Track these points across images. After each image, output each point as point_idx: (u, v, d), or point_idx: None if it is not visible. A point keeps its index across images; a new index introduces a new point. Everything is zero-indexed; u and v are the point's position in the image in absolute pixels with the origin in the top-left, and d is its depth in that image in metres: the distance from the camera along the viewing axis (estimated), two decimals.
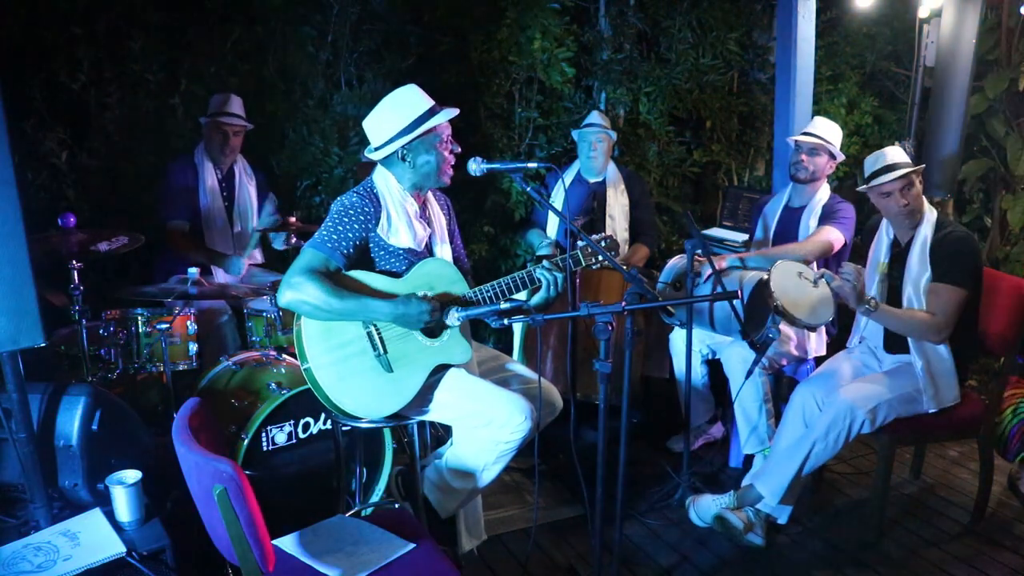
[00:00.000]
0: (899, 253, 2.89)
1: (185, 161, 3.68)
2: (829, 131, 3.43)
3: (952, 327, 2.72)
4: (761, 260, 3.26)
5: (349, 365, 2.31)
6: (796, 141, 3.47)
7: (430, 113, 2.38)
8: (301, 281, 2.23)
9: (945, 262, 2.73)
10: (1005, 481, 3.31)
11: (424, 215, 2.52)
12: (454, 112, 2.42)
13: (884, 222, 2.95)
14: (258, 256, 3.84)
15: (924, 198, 2.85)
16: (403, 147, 2.38)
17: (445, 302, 2.35)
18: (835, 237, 3.28)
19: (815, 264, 3.25)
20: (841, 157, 3.44)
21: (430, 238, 2.52)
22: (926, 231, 2.79)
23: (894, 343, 2.92)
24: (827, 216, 3.35)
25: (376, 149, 2.43)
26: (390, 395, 2.33)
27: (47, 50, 3.66)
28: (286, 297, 2.25)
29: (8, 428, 2.35)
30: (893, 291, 2.89)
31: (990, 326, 2.92)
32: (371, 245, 2.39)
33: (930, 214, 2.81)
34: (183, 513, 2.39)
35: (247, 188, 3.77)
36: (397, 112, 2.38)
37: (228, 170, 3.74)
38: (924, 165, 2.99)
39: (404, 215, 2.42)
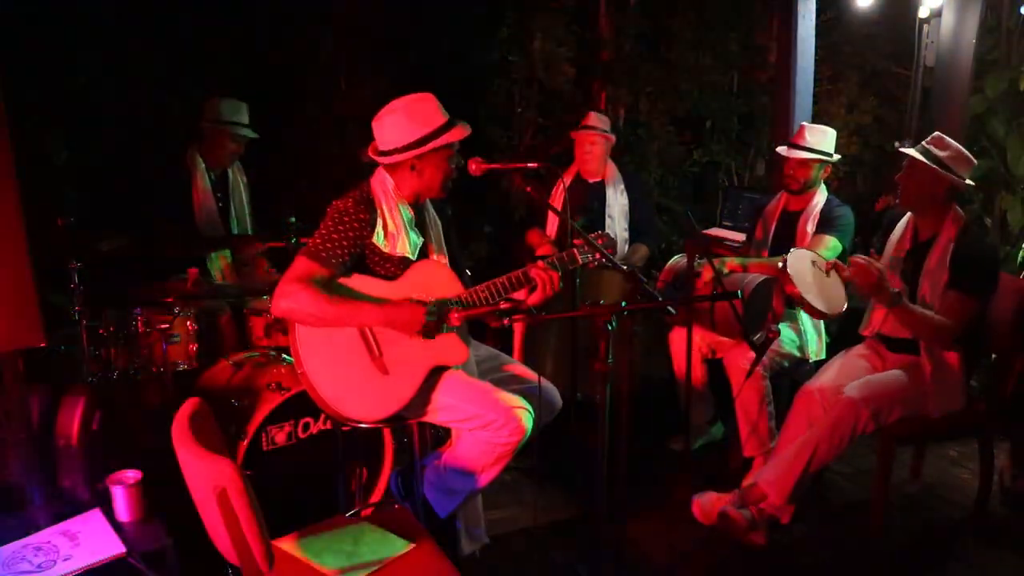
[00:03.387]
0: (918, 247, 2.86)
1: (175, 164, 3.63)
2: (817, 138, 3.39)
3: (956, 335, 2.70)
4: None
5: (345, 368, 2.30)
6: (785, 155, 3.46)
7: (446, 127, 2.37)
8: (295, 290, 2.22)
9: (964, 270, 2.69)
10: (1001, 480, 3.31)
11: (420, 222, 2.51)
12: (468, 130, 2.41)
13: (908, 215, 2.92)
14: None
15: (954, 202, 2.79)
16: (415, 158, 2.37)
17: (441, 307, 2.35)
18: (831, 245, 3.28)
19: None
20: (835, 158, 3.43)
21: (426, 246, 2.51)
22: (951, 231, 2.74)
23: (906, 343, 2.90)
24: (825, 223, 3.34)
25: (385, 153, 2.41)
26: (387, 398, 2.33)
27: (47, 50, 3.66)
28: (280, 306, 2.24)
29: (8, 428, 2.35)
30: (909, 287, 2.87)
31: (990, 327, 2.92)
32: (367, 252, 2.38)
33: (957, 217, 2.76)
34: (183, 513, 2.39)
35: (241, 189, 3.75)
36: (414, 121, 2.35)
37: (222, 172, 3.72)
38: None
39: (401, 222, 2.41)
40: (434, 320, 2.29)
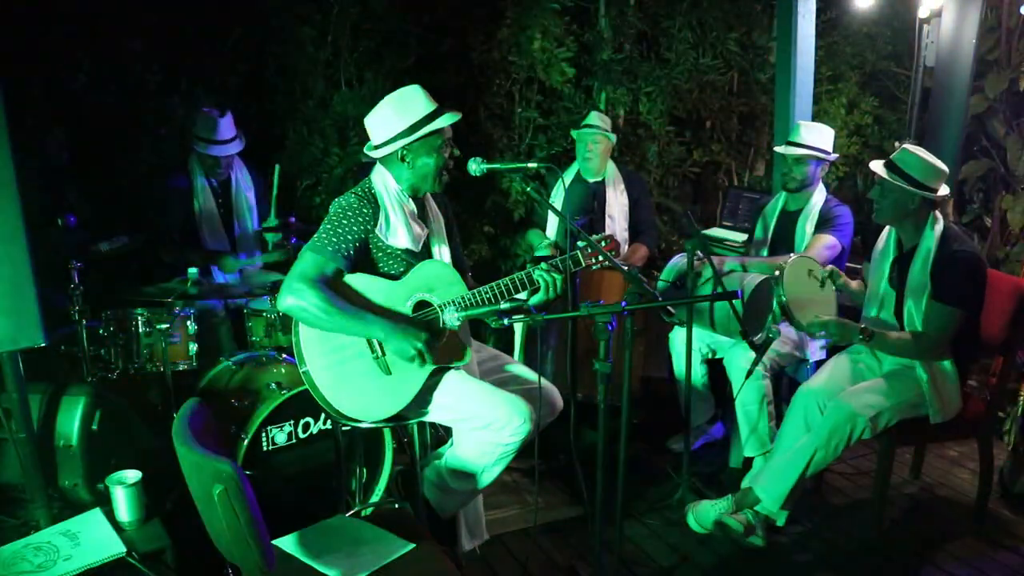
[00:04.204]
0: (903, 256, 2.87)
1: (178, 171, 3.57)
2: (814, 136, 3.38)
3: (947, 346, 2.70)
4: (763, 267, 3.27)
5: (347, 368, 2.30)
6: (782, 153, 3.46)
7: (433, 115, 2.37)
8: (302, 287, 2.23)
9: (949, 282, 2.67)
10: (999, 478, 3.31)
11: (422, 215, 2.51)
12: (457, 116, 2.41)
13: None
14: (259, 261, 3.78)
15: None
16: (403, 148, 2.38)
17: (437, 343, 2.35)
18: (831, 244, 3.28)
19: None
20: (832, 157, 3.43)
21: (428, 239, 2.51)
22: (931, 241, 2.73)
23: None
24: (824, 223, 3.35)
25: (376, 147, 2.43)
26: (388, 397, 2.33)
27: (47, 50, 3.66)
28: (286, 302, 2.25)
29: (8, 428, 2.36)
30: (896, 294, 2.87)
31: (990, 327, 2.91)
32: (370, 246, 2.39)
33: (937, 222, 2.75)
34: (183, 513, 2.39)
35: (244, 190, 3.69)
36: (400, 112, 2.37)
37: (225, 178, 3.64)
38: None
39: (402, 215, 2.42)
40: (430, 352, 2.29)
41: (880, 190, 2.79)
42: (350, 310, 2.26)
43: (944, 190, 2.74)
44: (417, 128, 2.35)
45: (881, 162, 2.80)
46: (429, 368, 2.37)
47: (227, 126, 3.52)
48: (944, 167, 2.74)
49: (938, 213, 2.78)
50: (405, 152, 2.39)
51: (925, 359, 2.74)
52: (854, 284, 3.07)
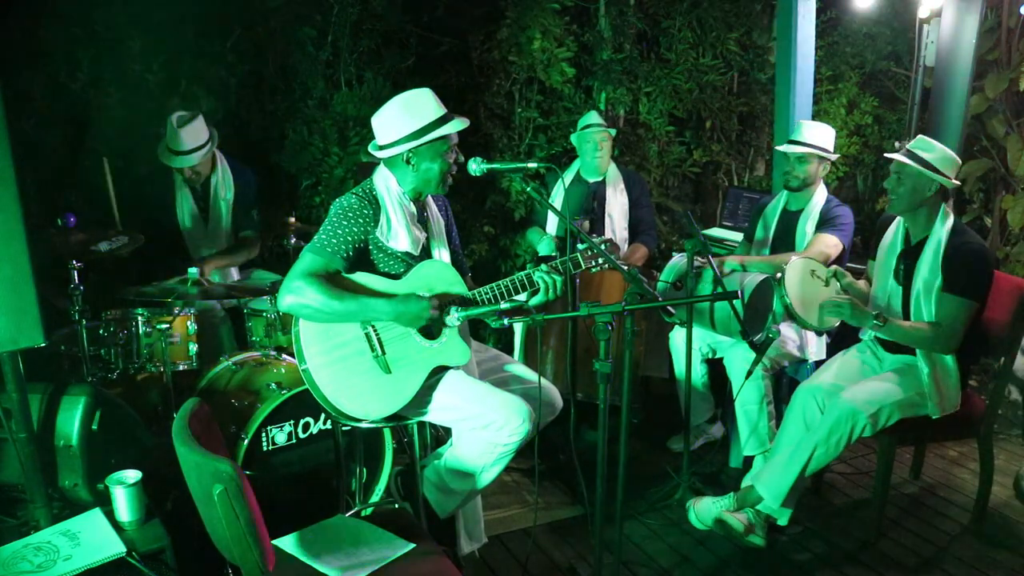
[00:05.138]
0: (911, 250, 2.87)
1: (162, 168, 3.49)
2: (816, 135, 3.39)
3: (960, 338, 2.70)
4: (762, 266, 3.27)
5: (347, 366, 2.30)
6: (784, 151, 3.46)
7: (442, 121, 2.37)
8: (301, 285, 2.23)
9: (959, 274, 2.69)
10: (1005, 481, 3.31)
11: (422, 218, 2.51)
12: (466, 123, 2.41)
13: (899, 218, 2.93)
14: (233, 273, 3.66)
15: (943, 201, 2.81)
16: (409, 151, 2.38)
17: (445, 302, 2.35)
18: (832, 243, 3.28)
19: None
20: (833, 156, 3.43)
21: (428, 241, 2.51)
22: (941, 234, 2.75)
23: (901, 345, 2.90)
24: (824, 222, 3.35)
25: (382, 148, 2.42)
26: (388, 396, 2.33)
27: (47, 50, 3.66)
28: (286, 301, 2.25)
29: (8, 428, 2.35)
30: (903, 289, 2.88)
31: (990, 326, 2.92)
32: (370, 247, 2.39)
33: (947, 216, 2.77)
34: (183, 513, 2.39)
35: (220, 194, 3.59)
36: (409, 114, 2.36)
37: (204, 180, 3.57)
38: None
39: (403, 218, 2.42)
40: (438, 315, 2.30)
41: (897, 178, 2.79)
42: (351, 297, 2.26)
43: (957, 182, 2.76)
44: (425, 132, 2.35)
45: (900, 152, 2.81)
46: (429, 367, 2.37)
47: (191, 134, 3.36)
48: (958, 159, 2.77)
49: (948, 208, 2.79)
50: (411, 155, 2.39)
51: (937, 351, 2.74)
52: (860, 283, 3.07)
